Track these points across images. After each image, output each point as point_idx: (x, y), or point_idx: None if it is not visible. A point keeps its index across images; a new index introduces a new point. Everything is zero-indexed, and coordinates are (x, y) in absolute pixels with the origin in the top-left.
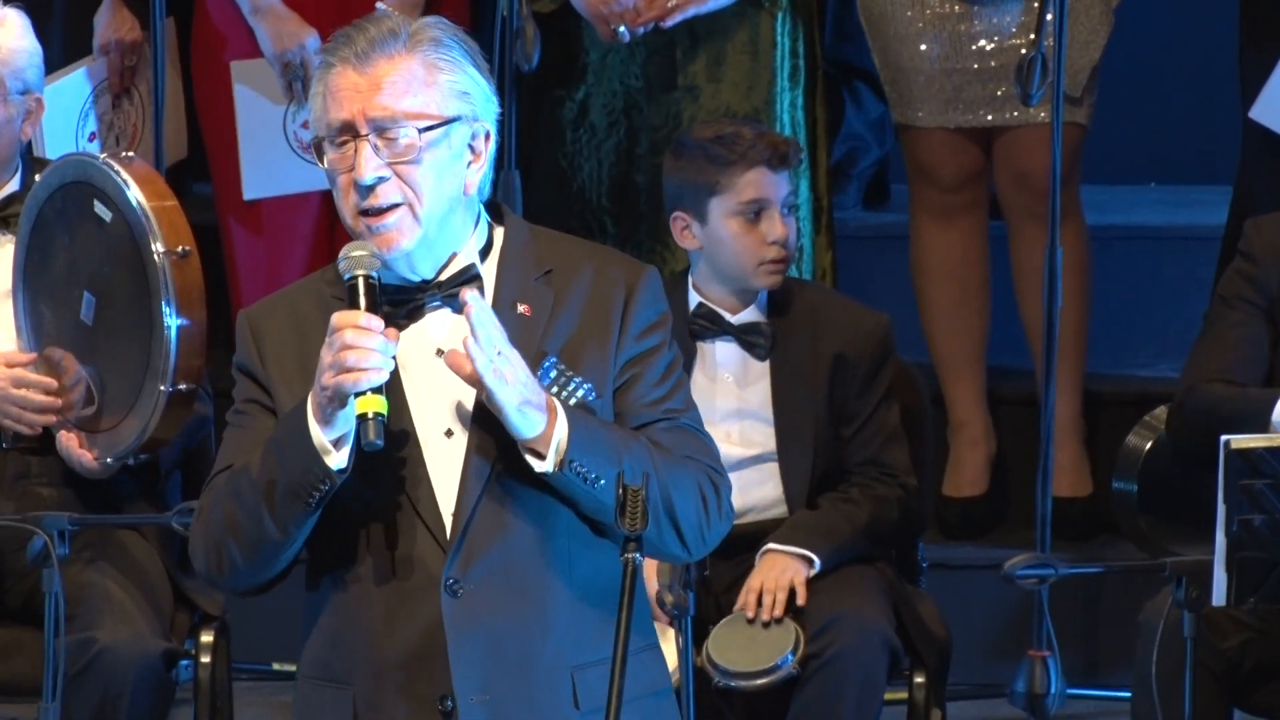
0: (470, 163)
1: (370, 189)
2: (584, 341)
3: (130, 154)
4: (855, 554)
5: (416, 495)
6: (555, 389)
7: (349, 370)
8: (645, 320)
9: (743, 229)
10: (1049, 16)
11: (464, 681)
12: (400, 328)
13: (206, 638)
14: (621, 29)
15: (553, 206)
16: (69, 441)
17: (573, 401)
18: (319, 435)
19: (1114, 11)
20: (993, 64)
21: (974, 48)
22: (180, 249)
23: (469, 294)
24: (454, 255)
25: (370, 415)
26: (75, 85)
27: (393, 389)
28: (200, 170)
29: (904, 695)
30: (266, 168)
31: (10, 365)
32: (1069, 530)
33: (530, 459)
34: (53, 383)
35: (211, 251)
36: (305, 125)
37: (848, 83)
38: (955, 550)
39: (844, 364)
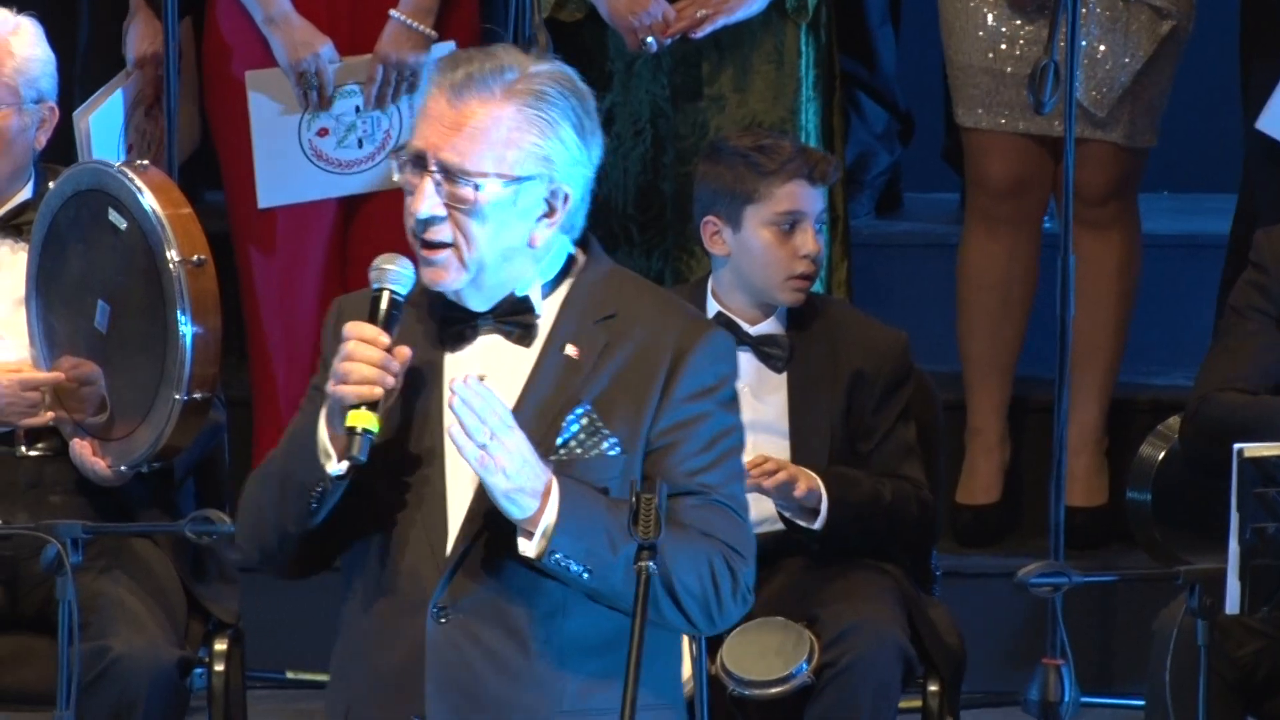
0: (543, 217)
1: (424, 223)
2: (622, 394)
3: (145, 162)
4: (872, 528)
5: (429, 515)
6: (579, 439)
7: (345, 382)
8: (693, 386)
9: (775, 240)
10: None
11: (437, 709)
12: (449, 350)
13: (221, 645)
14: (649, 39)
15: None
16: (82, 449)
17: (593, 454)
18: (324, 439)
19: (1170, 42)
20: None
21: (1027, 49)
22: (195, 257)
23: (454, 382)
24: (511, 292)
25: (358, 430)
26: (114, 106)
27: (432, 409)
28: (213, 178)
29: (918, 704)
30: (281, 176)
31: (11, 372)
32: (1082, 539)
33: (520, 538)
34: (60, 376)
35: (224, 259)
36: (320, 133)
37: (849, 94)
38: (969, 559)
39: (862, 380)
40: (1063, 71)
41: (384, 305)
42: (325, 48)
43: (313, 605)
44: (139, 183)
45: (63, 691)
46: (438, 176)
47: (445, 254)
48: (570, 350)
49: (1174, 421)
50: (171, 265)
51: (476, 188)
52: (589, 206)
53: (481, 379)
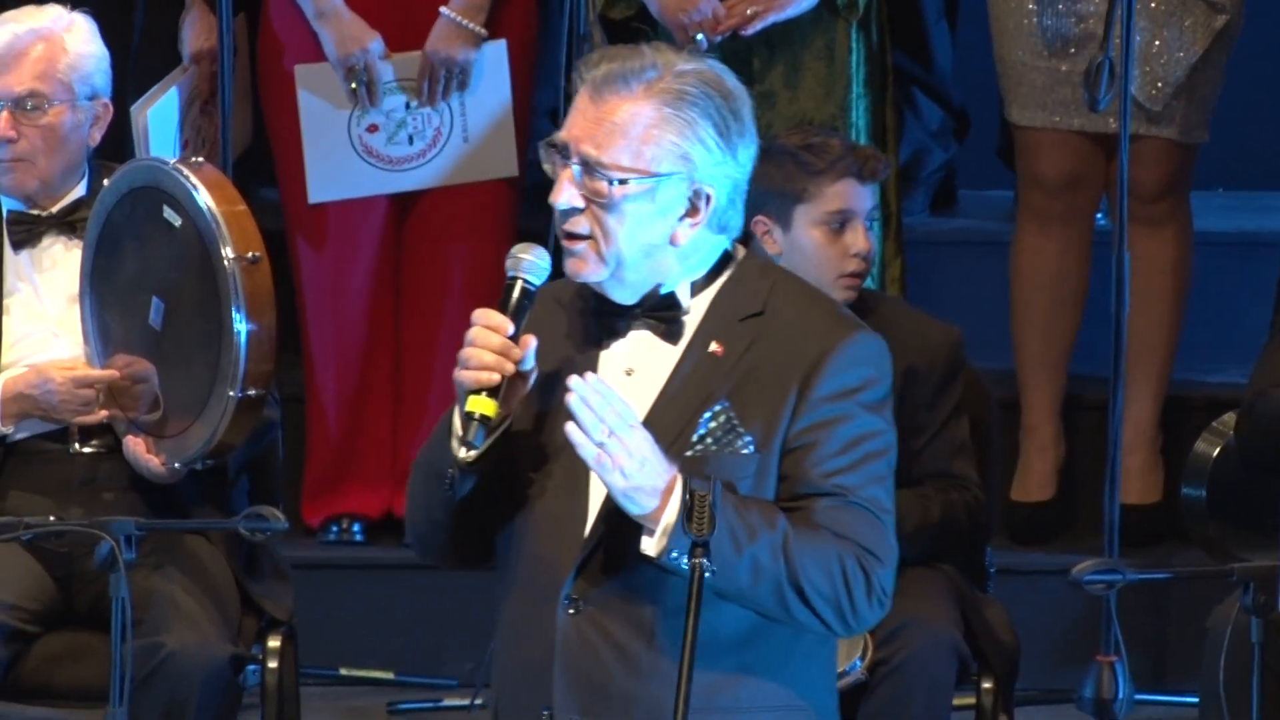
0: (685, 216)
1: (564, 214)
2: (760, 393)
3: (199, 159)
4: (919, 550)
5: (568, 506)
6: (714, 435)
7: (465, 368)
8: (834, 387)
9: (826, 239)
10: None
11: (565, 701)
12: (603, 344)
13: (274, 642)
14: (700, 37)
15: None
16: (136, 446)
17: (727, 451)
18: (456, 424)
19: (1223, 37)
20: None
21: (1080, 47)
22: (250, 254)
23: (572, 379)
24: (658, 285)
25: (475, 416)
26: (170, 102)
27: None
28: (267, 174)
29: (972, 701)
30: (331, 171)
31: (65, 370)
32: (1137, 536)
33: (644, 535)
34: (115, 374)
35: (279, 256)
36: (370, 129)
37: (905, 91)
38: (1023, 556)
39: (914, 376)
40: (1118, 68)
41: (515, 294)
42: (374, 43)
43: (366, 602)
44: (194, 180)
45: (115, 688)
46: (577, 169)
47: (583, 246)
48: (714, 347)
49: (1229, 418)
50: (226, 262)
51: (611, 183)
52: (742, 208)
53: (629, 374)
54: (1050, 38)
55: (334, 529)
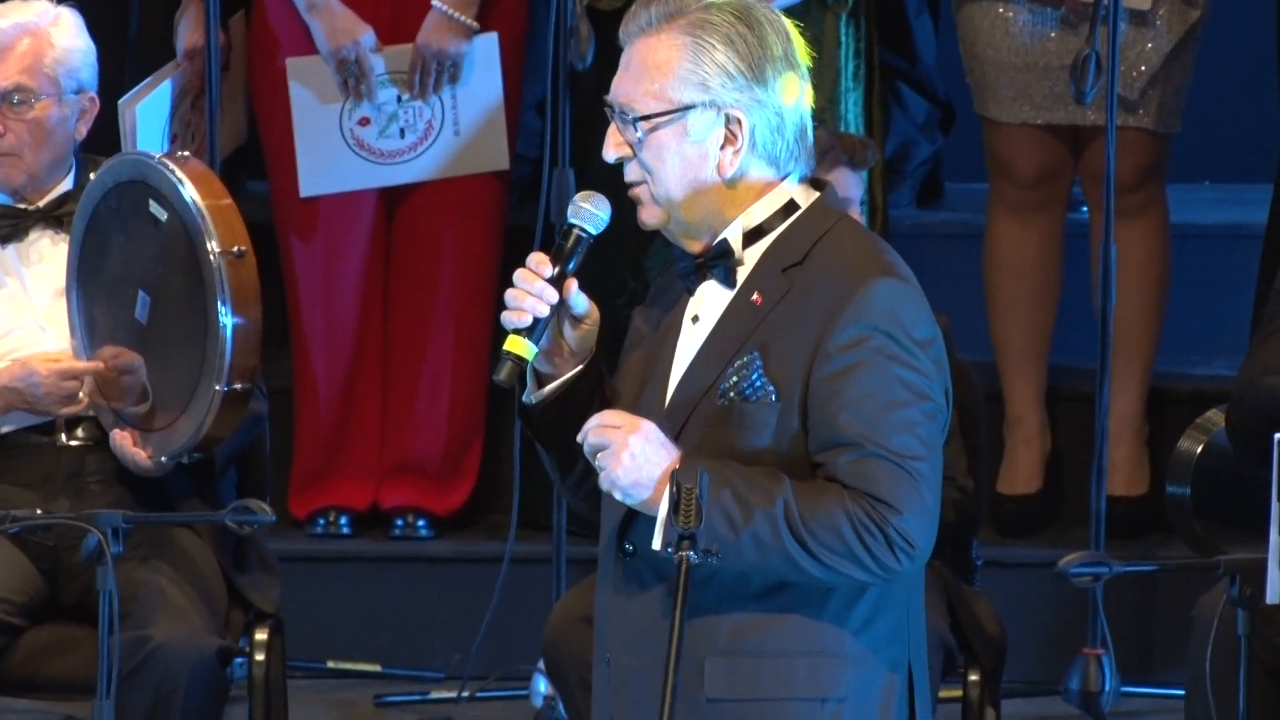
0: (725, 145)
1: (617, 167)
2: (786, 342)
3: (185, 153)
4: None
5: None
6: (739, 385)
7: (506, 307)
8: (850, 335)
9: None
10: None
11: (617, 648)
12: (688, 294)
13: (261, 635)
14: None
15: (611, 205)
16: (123, 439)
17: (754, 400)
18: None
19: (1193, 29)
20: (1067, 62)
21: (1055, 44)
22: (236, 248)
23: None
24: (716, 234)
25: (509, 356)
26: (161, 97)
27: (664, 353)
28: (256, 168)
29: (959, 693)
30: (323, 165)
31: (50, 362)
32: (1124, 528)
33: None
34: (99, 365)
35: (264, 248)
36: (362, 122)
37: (890, 85)
38: (1010, 549)
39: None
40: (1104, 62)
41: (568, 241)
42: (366, 35)
43: (353, 595)
44: (180, 174)
45: (103, 680)
46: (617, 119)
47: (639, 192)
48: (755, 296)
49: (1213, 414)
50: (212, 256)
51: (635, 124)
52: (803, 141)
53: (695, 320)
54: (1027, 32)
55: (321, 522)
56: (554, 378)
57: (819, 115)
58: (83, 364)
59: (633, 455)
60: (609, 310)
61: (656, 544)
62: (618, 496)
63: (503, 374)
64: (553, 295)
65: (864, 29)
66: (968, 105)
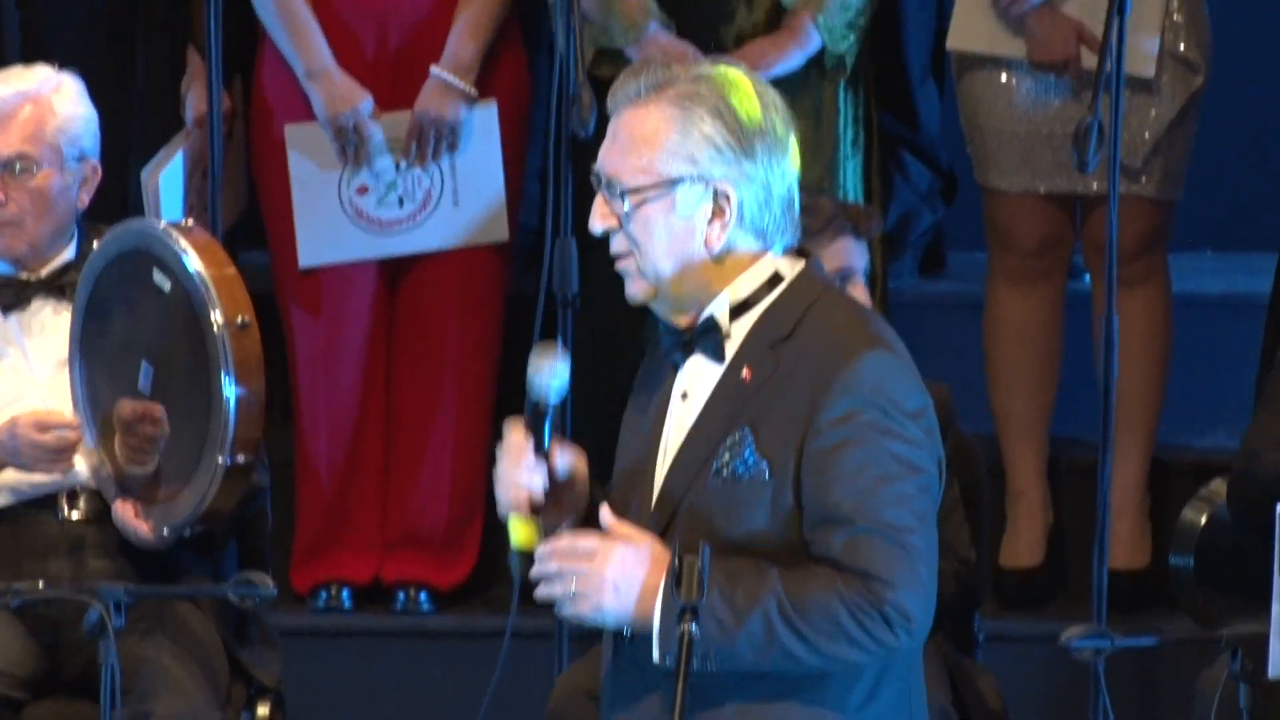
0: (713, 219)
1: (604, 238)
2: (778, 418)
3: (189, 222)
4: None
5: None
6: (732, 462)
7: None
8: (840, 410)
9: None
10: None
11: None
12: (675, 368)
13: (263, 710)
14: None
15: (613, 273)
16: (125, 512)
17: (746, 478)
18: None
19: (1195, 97)
20: (1069, 130)
21: (1057, 112)
22: (240, 319)
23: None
24: (704, 308)
25: (520, 550)
26: (178, 166)
27: (653, 426)
28: (256, 237)
29: None
30: (322, 234)
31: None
32: (1126, 601)
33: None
34: (74, 421)
35: (267, 318)
36: (360, 190)
37: (893, 153)
38: (1012, 622)
39: None
40: (1106, 130)
41: (537, 420)
42: (364, 103)
43: (356, 669)
44: (184, 243)
45: None
46: (604, 190)
47: (626, 264)
48: (744, 372)
49: (1216, 485)
50: (215, 327)
51: (624, 197)
52: (790, 213)
53: (684, 396)
54: (1029, 101)
55: (323, 595)
56: (553, 528)
57: (817, 184)
58: (60, 417)
59: (616, 589)
60: (606, 386)
61: (655, 658)
62: (598, 622)
63: (517, 569)
64: (540, 479)
65: (862, 97)
66: (970, 174)
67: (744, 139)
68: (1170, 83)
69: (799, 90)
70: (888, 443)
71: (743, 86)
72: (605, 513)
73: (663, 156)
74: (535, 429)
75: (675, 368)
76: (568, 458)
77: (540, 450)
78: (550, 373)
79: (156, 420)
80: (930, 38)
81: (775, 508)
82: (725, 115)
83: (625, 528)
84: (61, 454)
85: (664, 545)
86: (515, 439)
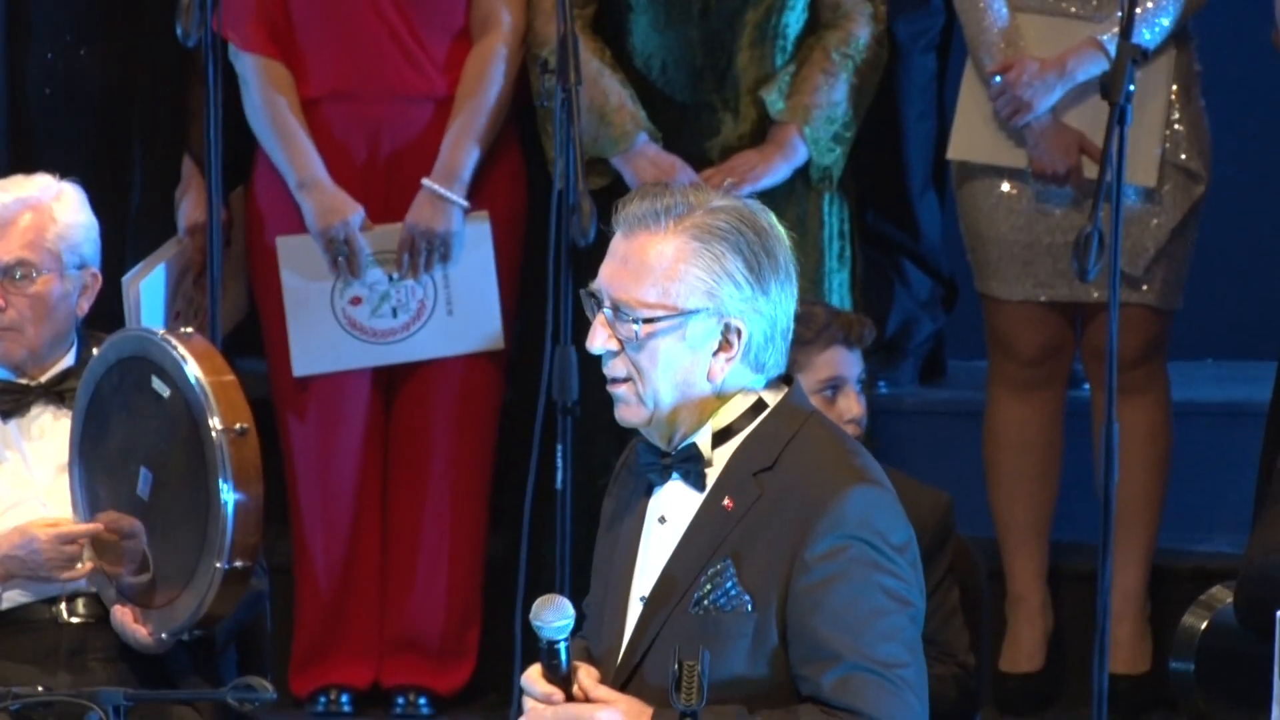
0: (719, 352)
1: (604, 359)
2: (761, 551)
3: (189, 330)
4: None
5: (605, 649)
6: (714, 594)
7: None
8: (826, 546)
9: (820, 407)
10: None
11: None
12: (652, 492)
13: None
14: None
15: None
16: (124, 616)
17: (728, 610)
18: None
19: (1196, 206)
20: (1070, 239)
21: (1059, 221)
22: (238, 426)
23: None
24: (684, 435)
25: None
26: (158, 276)
27: (626, 549)
28: (255, 345)
29: None
30: (315, 344)
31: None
32: (1127, 707)
33: None
34: (98, 527)
35: (265, 424)
36: (354, 301)
37: (893, 261)
38: None
39: None
40: (1107, 238)
41: (552, 658)
42: (355, 215)
43: None
44: (182, 350)
45: None
46: (608, 312)
47: (623, 389)
48: (726, 501)
49: (1218, 591)
50: (214, 434)
51: (637, 323)
52: (785, 346)
53: (662, 521)
54: (1030, 210)
55: (322, 700)
56: None
57: (802, 296)
58: (81, 526)
59: None
60: (592, 492)
61: None
62: None
63: None
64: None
65: (849, 210)
66: (970, 282)
67: (760, 276)
68: (1172, 192)
69: (785, 201)
70: (877, 576)
71: (761, 219)
72: (584, 676)
73: (681, 288)
74: (551, 665)
75: (651, 486)
76: (580, 672)
77: (557, 675)
78: (557, 614)
79: (130, 534)
80: (931, 147)
81: (756, 643)
82: (745, 251)
83: (602, 691)
84: (75, 562)
85: (641, 703)
86: (543, 689)
